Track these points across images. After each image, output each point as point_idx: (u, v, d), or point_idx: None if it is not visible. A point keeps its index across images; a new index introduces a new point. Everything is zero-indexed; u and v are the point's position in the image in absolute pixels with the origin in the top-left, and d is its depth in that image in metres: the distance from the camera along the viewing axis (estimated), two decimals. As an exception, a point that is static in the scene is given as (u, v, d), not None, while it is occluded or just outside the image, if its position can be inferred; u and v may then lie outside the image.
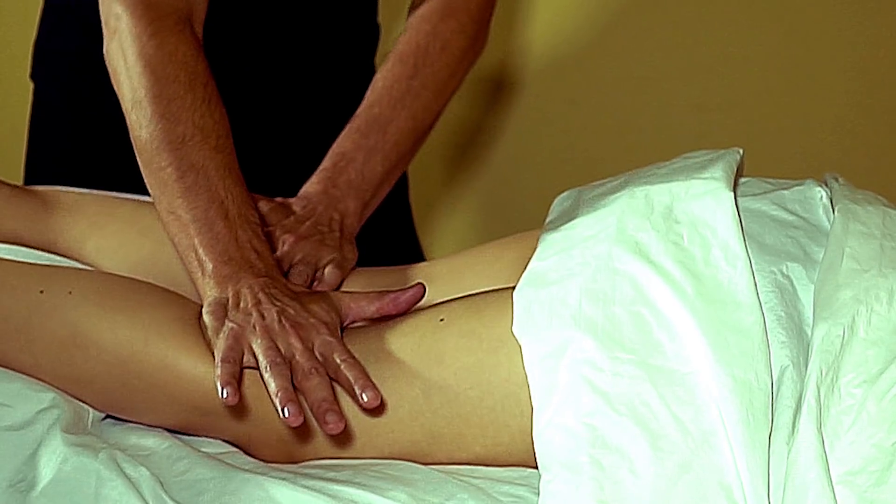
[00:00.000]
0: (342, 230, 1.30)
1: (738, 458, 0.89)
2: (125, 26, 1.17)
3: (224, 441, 1.07)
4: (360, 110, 1.38)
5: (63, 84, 1.57)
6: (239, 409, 1.04)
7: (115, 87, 1.19)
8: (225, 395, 0.97)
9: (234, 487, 0.97)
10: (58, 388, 1.08)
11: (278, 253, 1.23)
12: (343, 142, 1.35)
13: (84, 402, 1.08)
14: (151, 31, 1.16)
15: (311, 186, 1.33)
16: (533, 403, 0.96)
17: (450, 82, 1.41)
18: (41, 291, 1.11)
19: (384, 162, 1.35)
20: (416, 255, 1.71)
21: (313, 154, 1.51)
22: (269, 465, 1.03)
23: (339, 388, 1.01)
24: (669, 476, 0.90)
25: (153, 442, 1.03)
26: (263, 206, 1.29)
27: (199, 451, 1.02)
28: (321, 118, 1.58)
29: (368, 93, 1.39)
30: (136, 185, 1.35)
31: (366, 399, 0.97)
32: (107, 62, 1.20)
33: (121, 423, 1.09)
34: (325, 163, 1.35)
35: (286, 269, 1.22)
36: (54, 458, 0.98)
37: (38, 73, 1.62)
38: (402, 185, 1.63)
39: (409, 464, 1.02)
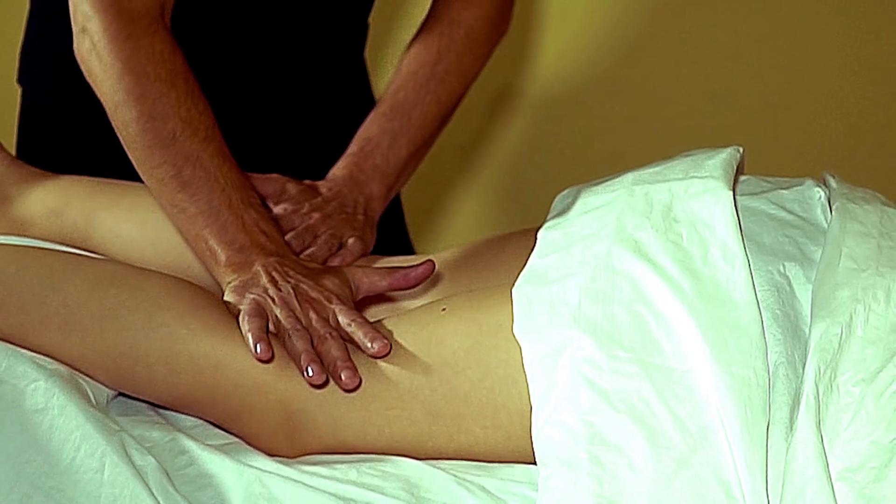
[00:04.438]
0: (366, 213, 1.33)
1: (737, 454, 0.90)
2: (97, 27, 1.17)
3: (226, 432, 1.08)
4: (385, 95, 1.41)
5: (51, 87, 1.56)
6: (252, 367, 1.06)
7: (93, 86, 1.20)
8: (258, 350, 1.02)
9: (234, 483, 0.97)
10: (74, 351, 1.08)
11: (304, 225, 1.27)
12: (369, 126, 1.39)
13: (94, 376, 1.08)
14: (126, 34, 1.17)
15: (337, 170, 1.36)
16: (532, 402, 0.96)
17: (473, 66, 1.44)
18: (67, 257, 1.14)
19: (409, 146, 1.38)
20: (406, 252, 1.71)
21: (303, 148, 1.51)
22: (271, 460, 1.03)
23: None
24: (668, 472, 0.90)
25: (157, 435, 1.03)
26: (292, 187, 1.32)
27: (202, 444, 1.02)
28: (312, 113, 1.59)
29: (394, 77, 1.42)
30: None
31: (375, 347, 1.02)
32: (78, 59, 1.20)
33: (125, 413, 1.09)
34: (352, 147, 1.38)
35: (311, 239, 1.26)
36: (69, 442, 0.98)
37: (26, 76, 1.61)
38: None
39: (410, 462, 1.02)
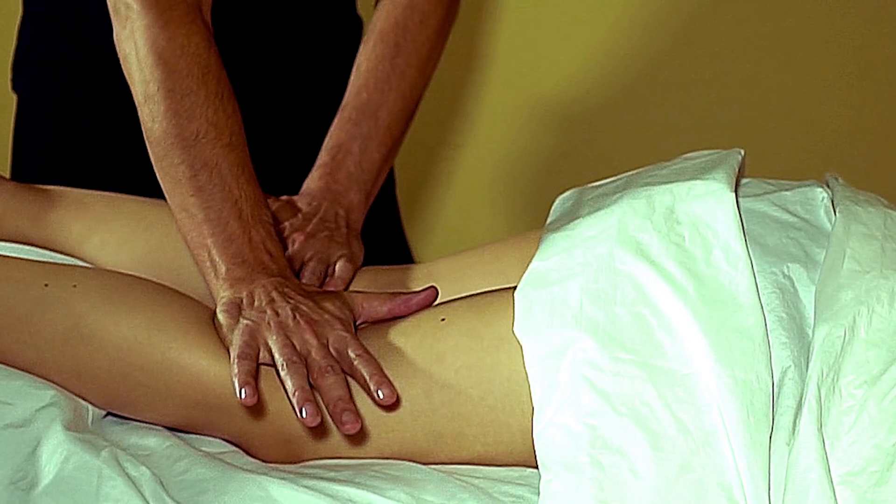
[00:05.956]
0: (348, 225, 1.30)
1: (739, 458, 0.89)
2: (136, 13, 1.15)
3: (224, 440, 1.07)
4: (347, 97, 1.37)
5: (46, 93, 1.55)
6: (242, 406, 1.04)
7: (126, 75, 1.18)
8: (243, 395, 0.97)
9: (233, 487, 0.97)
10: (60, 384, 1.08)
11: (289, 252, 1.23)
12: (337, 133, 1.35)
13: (85, 398, 1.08)
14: (162, 22, 1.14)
15: (312, 182, 1.33)
16: (534, 403, 0.96)
17: (431, 55, 1.40)
18: (46, 285, 1.11)
19: (380, 148, 1.35)
20: (403, 253, 1.70)
21: (303, 149, 1.50)
22: (269, 465, 1.03)
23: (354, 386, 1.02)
24: (670, 476, 0.90)
25: (154, 442, 1.02)
26: (270, 204, 1.28)
27: (200, 450, 1.02)
28: (310, 111, 1.58)
29: (353, 77, 1.37)
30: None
31: (382, 396, 0.98)
32: (117, 48, 1.18)
33: (121, 422, 1.09)
34: (323, 157, 1.34)
35: (298, 267, 1.23)
36: (56, 456, 0.98)
37: (21, 84, 1.59)
38: (389, 183, 1.62)
39: (410, 464, 1.02)
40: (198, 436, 1.08)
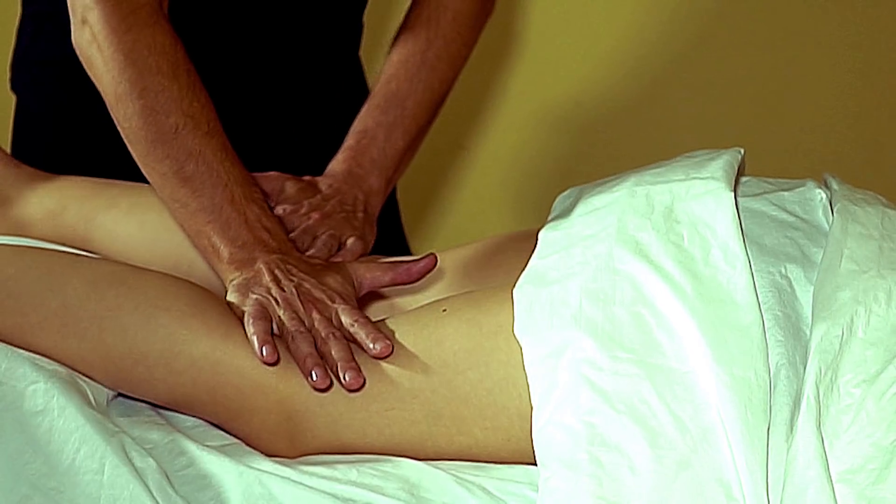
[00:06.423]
0: (366, 210, 1.33)
1: (737, 455, 0.90)
2: (97, 18, 1.16)
3: (226, 433, 1.07)
4: (378, 86, 1.40)
5: (46, 94, 1.55)
6: (251, 379, 1.06)
7: (93, 78, 1.19)
8: (263, 353, 1.03)
9: (234, 484, 0.97)
10: (76, 343, 1.08)
11: (304, 226, 1.27)
12: (364, 119, 1.38)
13: (94, 374, 1.08)
14: (126, 25, 1.16)
15: (336, 165, 1.36)
16: (533, 402, 0.96)
17: (462, 51, 1.43)
18: (75, 254, 1.14)
19: (405, 136, 1.38)
20: (403, 253, 1.71)
21: (300, 146, 1.51)
22: (270, 461, 1.03)
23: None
24: (668, 473, 0.90)
25: (156, 436, 1.03)
26: (291, 185, 1.32)
27: (202, 445, 1.02)
28: (308, 111, 1.59)
29: (385, 67, 1.41)
30: None
31: (378, 348, 1.02)
32: (77, 51, 1.19)
33: (124, 414, 1.09)
34: (349, 140, 1.37)
35: (311, 241, 1.26)
36: (64, 438, 0.98)
37: (21, 84, 1.60)
38: None
39: (410, 462, 1.02)
40: (200, 429, 1.08)
